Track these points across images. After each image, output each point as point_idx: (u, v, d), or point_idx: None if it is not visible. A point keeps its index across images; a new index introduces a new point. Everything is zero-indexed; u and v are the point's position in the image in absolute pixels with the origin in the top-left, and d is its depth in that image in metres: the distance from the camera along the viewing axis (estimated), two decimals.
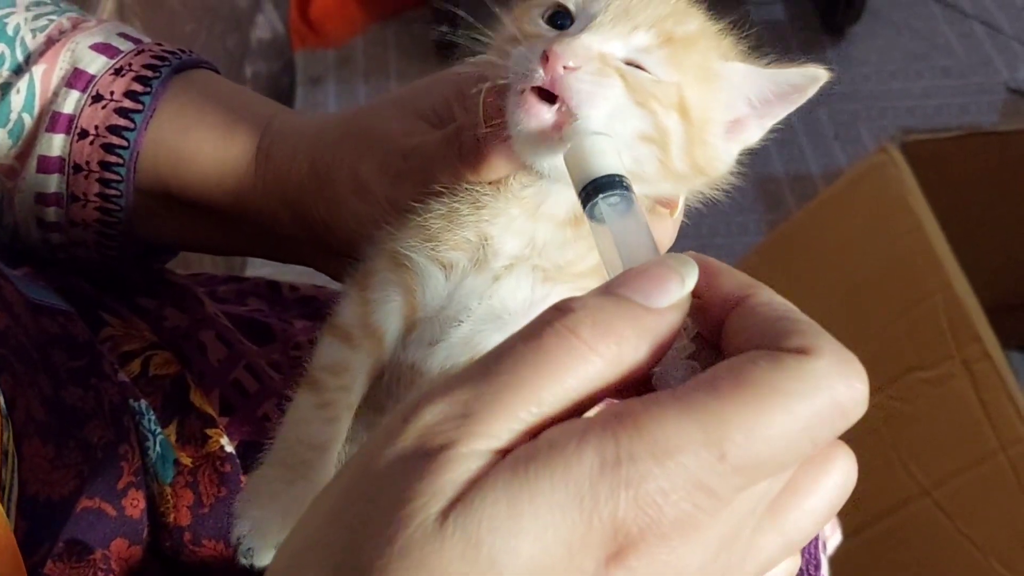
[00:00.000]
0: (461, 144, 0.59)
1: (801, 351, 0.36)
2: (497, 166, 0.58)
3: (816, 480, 0.39)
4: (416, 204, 0.60)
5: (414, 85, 0.68)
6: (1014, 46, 2.67)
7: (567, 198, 0.57)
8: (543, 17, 0.56)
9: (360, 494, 0.37)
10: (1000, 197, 1.69)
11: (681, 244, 0.63)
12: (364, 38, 2.71)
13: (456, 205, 0.59)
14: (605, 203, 0.47)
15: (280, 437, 0.57)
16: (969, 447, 1.30)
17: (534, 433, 0.36)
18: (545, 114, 0.52)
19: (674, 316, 0.39)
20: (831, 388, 0.36)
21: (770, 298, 0.40)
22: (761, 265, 1.66)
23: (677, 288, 0.39)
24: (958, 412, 1.32)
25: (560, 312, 0.38)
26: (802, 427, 0.36)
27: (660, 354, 0.39)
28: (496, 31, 0.59)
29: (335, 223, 0.66)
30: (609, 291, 0.39)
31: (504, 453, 0.36)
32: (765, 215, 2.27)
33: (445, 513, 0.35)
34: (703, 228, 2.24)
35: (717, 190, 0.60)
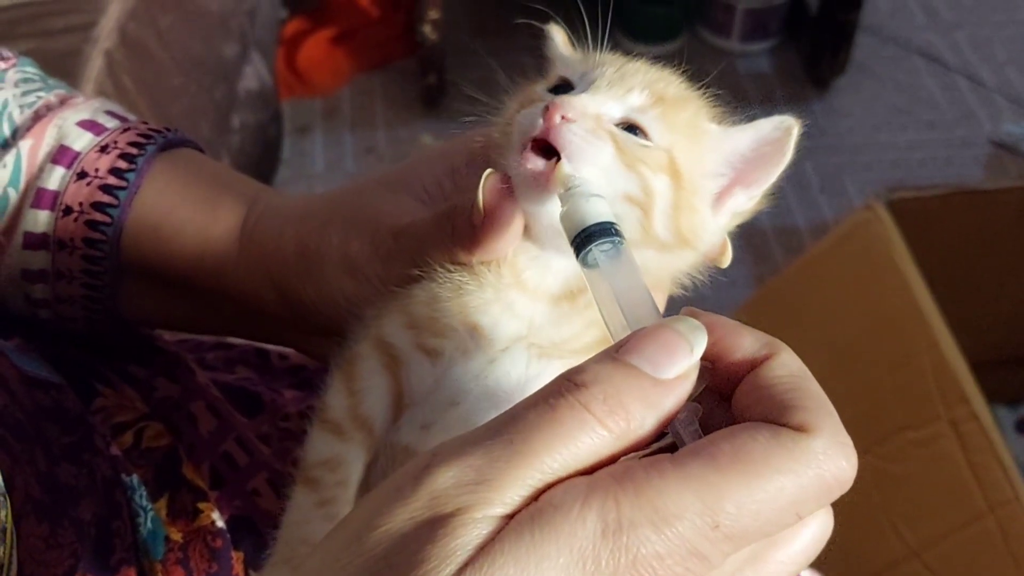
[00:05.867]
0: (455, 225, 0.59)
1: (801, 428, 0.39)
2: (493, 248, 0.57)
3: (794, 533, 0.41)
4: (399, 289, 0.60)
5: (404, 164, 0.68)
6: (997, 99, 2.70)
7: (561, 269, 0.58)
8: (548, 89, 0.59)
9: (372, 554, 0.38)
10: (985, 254, 1.70)
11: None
12: (351, 88, 2.72)
13: (438, 291, 0.58)
14: (598, 249, 0.48)
15: (282, 538, 0.57)
16: (958, 508, 1.30)
17: (535, 496, 0.39)
18: (539, 162, 0.54)
19: (682, 387, 0.41)
20: (821, 468, 0.39)
21: (787, 362, 0.42)
22: (748, 322, 1.66)
23: (686, 358, 0.41)
24: (946, 473, 1.32)
25: (574, 386, 0.40)
26: (790, 502, 0.38)
27: (666, 424, 0.41)
28: (501, 111, 0.61)
29: (323, 303, 0.65)
30: (619, 358, 0.41)
31: (509, 517, 0.38)
32: (753, 268, 2.28)
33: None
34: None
35: (711, 269, 0.61)
